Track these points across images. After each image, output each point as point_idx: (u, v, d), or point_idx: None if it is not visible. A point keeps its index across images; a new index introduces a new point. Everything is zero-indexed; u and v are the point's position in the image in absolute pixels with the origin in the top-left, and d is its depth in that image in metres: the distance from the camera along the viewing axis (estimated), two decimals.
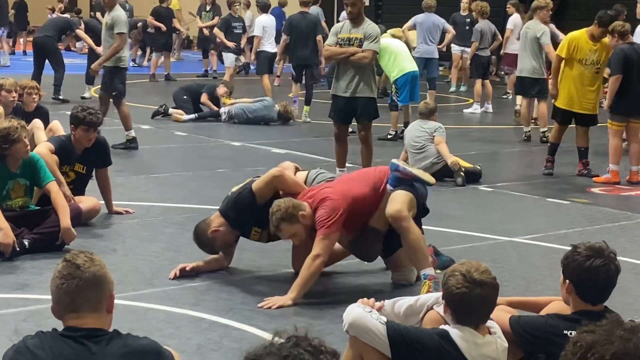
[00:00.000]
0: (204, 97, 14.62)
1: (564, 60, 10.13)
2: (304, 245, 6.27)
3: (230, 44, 17.72)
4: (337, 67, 9.44)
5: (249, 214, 6.15)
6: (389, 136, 12.52)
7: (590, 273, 3.79)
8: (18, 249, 6.48)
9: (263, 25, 16.01)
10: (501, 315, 3.95)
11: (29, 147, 6.87)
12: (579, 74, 10.07)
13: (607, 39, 10.05)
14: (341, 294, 5.94)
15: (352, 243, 6.14)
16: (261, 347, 2.16)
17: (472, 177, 9.80)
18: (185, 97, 14.67)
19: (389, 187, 5.97)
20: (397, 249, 6.16)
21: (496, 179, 10.09)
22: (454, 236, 7.51)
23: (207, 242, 6.24)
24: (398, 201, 5.83)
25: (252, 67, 20.11)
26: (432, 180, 6.10)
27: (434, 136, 9.82)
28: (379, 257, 6.48)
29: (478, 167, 10.02)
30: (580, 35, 10.15)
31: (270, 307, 5.59)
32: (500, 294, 3.83)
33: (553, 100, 10.57)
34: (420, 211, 6.08)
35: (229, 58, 17.74)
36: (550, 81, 11.01)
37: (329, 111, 9.49)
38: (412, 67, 12.42)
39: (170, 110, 14.26)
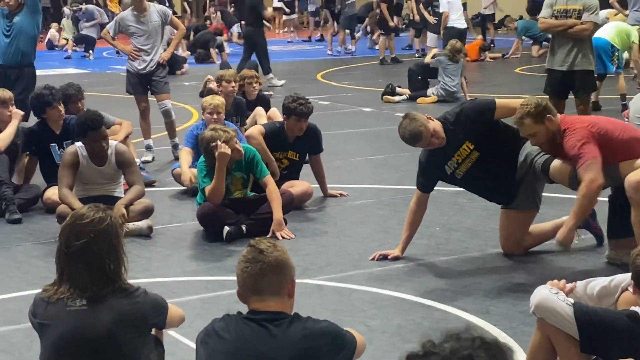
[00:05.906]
0: None
1: None
2: (511, 223, 6.23)
3: (432, 19, 17.49)
4: (552, 40, 9.22)
5: (475, 121, 6.08)
6: None
7: None
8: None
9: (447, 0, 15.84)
10: None
11: (239, 150, 6.97)
12: None
13: None
14: (548, 276, 5.80)
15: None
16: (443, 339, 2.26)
17: None
18: (419, 76, 14.47)
19: None
20: (628, 235, 5.80)
21: None
22: None
23: (414, 129, 5.99)
24: None
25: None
26: None
27: None
28: (592, 233, 6.33)
29: None
30: None
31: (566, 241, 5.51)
32: None
33: None
34: None
35: (432, 38, 17.47)
36: None
37: (544, 86, 9.28)
38: (599, 34, 11.48)
39: (398, 90, 14.29)
